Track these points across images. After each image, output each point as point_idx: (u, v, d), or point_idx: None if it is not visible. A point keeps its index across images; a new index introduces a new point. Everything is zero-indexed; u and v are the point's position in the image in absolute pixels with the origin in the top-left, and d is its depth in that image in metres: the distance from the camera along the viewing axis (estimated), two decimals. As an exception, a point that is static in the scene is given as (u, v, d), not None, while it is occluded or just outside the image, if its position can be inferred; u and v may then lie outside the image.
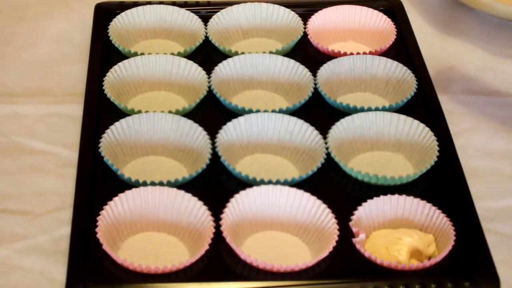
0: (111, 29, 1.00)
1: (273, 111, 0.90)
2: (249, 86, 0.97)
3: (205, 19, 1.02)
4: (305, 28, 1.02)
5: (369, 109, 0.91)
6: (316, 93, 0.93)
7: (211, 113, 0.92)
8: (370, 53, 0.99)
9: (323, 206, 0.80)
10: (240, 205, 0.80)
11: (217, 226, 0.78)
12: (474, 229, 0.81)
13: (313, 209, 0.80)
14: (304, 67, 0.95)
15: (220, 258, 0.77)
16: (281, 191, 0.81)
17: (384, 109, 0.92)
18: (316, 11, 1.04)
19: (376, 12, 1.04)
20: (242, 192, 0.80)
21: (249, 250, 0.78)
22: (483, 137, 0.94)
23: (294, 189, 0.81)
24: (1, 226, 0.82)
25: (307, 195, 0.80)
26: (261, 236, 0.80)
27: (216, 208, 0.80)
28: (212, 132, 0.87)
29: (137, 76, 0.95)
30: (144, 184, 0.82)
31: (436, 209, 0.80)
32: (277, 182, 0.82)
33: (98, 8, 1.05)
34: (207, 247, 0.76)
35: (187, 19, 1.03)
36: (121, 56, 0.98)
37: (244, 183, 0.83)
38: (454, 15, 1.13)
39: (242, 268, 0.76)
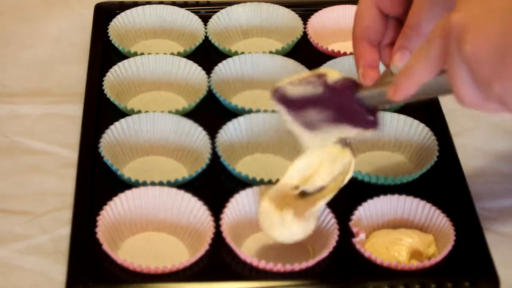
0: (111, 29, 1.00)
1: (273, 111, 0.90)
2: (249, 86, 0.97)
3: (205, 19, 1.02)
4: (305, 28, 1.02)
5: (369, 109, 0.91)
6: (316, 93, 0.93)
7: (211, 113, 0.92)
8: (370, 53, 0.99)
9: (323, 206, 0.80)
10: (240, 205, 0.80)
11: (217, 226, 0.78)
12: (474, 229, 0.81)
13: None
14: (304, 67, 0.95)
15: (220, 258, 0.77)
16: None
17: (384, 109, 0.92)
18: (316, 11, 1.04)
19: (376, 12, 1.04)
20: (242, 192, 0.80)
21: (249, 250, 0.78)
22: (483, 137, 0.94)
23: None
24: (1, 226, 0.82)
25: None
26: (261, 236, 0.80)
27: (216, 208, 0.80)
28: (212, 132, 0.87)
29: (137, 76, 0.95)
30: (144, 184, 0.82)
31: (436, 209, 0.80)
32: (277, 182, 0.82)
33: (98, 8, 1.05)
34: (207, 247, 0.76)
35: (187, 19, 1.03)
36: (121, 56, 0.98)
37: (244, 183, 0.83)
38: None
39: (242, 268, 0.76)
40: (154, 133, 0.88)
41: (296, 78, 0.70)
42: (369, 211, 0.81)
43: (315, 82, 0.69)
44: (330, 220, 0.79)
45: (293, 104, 0.71)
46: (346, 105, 0.67)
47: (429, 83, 0.61)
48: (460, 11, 0.57)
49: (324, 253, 0.76)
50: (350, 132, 0.69)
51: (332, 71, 0.69)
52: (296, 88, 0.70)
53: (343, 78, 0.68)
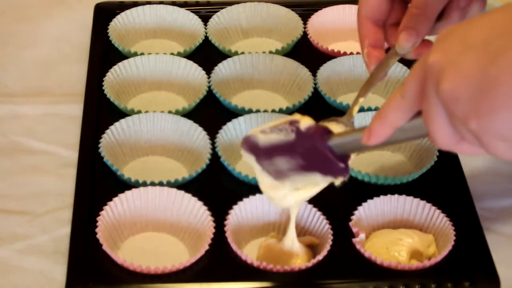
0: (111, 29, 1.00)
1: (273, 111, 0.90)
2: (249, 86, 0.97)
3: (205, 19, 1.02)
4: (305, 28, 1.02)
5: (369, 109, 0.91)
6: (316, 93, 0.93)
7: (211, 113, 0.92)
8: (370, 53, 0.99)
9: (314, 209, 0.80)
10: (242, 212, 0.80)
11: (217, 226, 0.78)
12: (474, 229, 0.81)
13: (305, 214, 0.80)
14: (304, 67, 0.95)
15: (220, 258, 0.77)
16: None
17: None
18: (316, 11, 1.04)
19: (376, 12, 1.04)
20: (246, 200, 0.80)
21: (250, 255, 0.78)
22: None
23: None
24: (1, 226, 0.82)
25: None
26: (260, 241, 0.80)
27: (216, 208, 0.80)
28: (212, 132, 0.87)
29: (137, 76, 0.95)
30: (144, 184, 0.82)
31: (436, 209, 0.80)
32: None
33: (98, 8, 1.05)
34: (207, 247, 0.76)
35: (187, 19, 1.03)
36: (121, 56, 0.98)
37: (244, 183, 0.83)
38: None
39: (242, 269, 0.76)
40: (154, 133, 0.88)
41: (268, 126, 0.69)
42: (369, 211, 0.81)
43: (287, 129, 0.68)
44: (322, 221, 0.79)
45: (263, 153, 0.70)
46: (316, 152, 0.66)
47: (404, 127, 0.60)
48: (436, 51, 0.56)
49: (324, 253, 0.76)
50: (319, 180, 0.68)
51: (305, 118, 0.68)
52: (267, 136, 0.69)
53: (315, 125, 0.67)
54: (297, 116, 0.68)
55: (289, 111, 0.90)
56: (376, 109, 0.91)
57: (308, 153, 0.67)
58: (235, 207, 0.79)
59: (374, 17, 0.74)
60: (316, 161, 0.67)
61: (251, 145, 0.71)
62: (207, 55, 0.99)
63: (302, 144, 0.67)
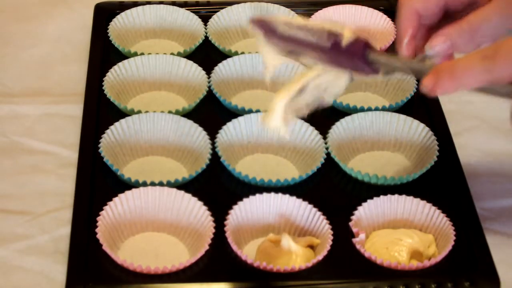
0: (111, 29, 1.00)
1: (273, 111, 0.90)
2: (249, 86, 0.97)
3: (205, 19, 1.02)
4: (305, 28, 1.02)
5: (369, 109, 0.91)
6: (316, 93, 0.93)
7: (211, 113, 0.92)
8: (370, 53, 0.99)
9: (314, 209, 0.80)
10: (242, 212, 0.80)
11: (217, 226, 0.78)
12: (474, 229, 0.81)
13: (305, 213, 0.80)
14: (305, 67, 0.95)
15: (220, 258, 0.77)
16: (282, 199, 0.80)
17: (384, 109, 0.92)
18: (316, 11, 1.04)
19: (376, 11, 1.04)
20: (246, 200, 0.80)
21: (250, 255, 0.78)
22: (483, 137, 0.94)
23: (287, 196, 0.80)
24: (1, 226, 0.82)
25: (299, 201, 0.80)
26: (260, 241, 0.80)
27: (216, 208, 0.80)
28: (212, 132, 0.87)
29: (137, 76, 0.95)
30: (144, 184, 0.82)
31: (436, 209, 0.80)
32: (277, 183, 0.82)
33: (98, 8, 1.05)
34: (207, 247, 0.76)
35: (187, 19, 1.03)
36: (121, 56, 0.98)
37: (244, 183, 0.83)
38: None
39: (242, 269, 0.76)
40: (154, 133, 0.88)
41: (297, 22, 0.65)
42: (369, 211, 0.81)
43: (324, 37, 0.64)
44: (323, 221, 0.79)
45: (278, 37, 0.66)
46: (351, 63, 0.64)
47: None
48: None
49: (324, 253, 0.76)
50: (339, 72, 0.65)
51: (347, 31, 0.64)
52: (293, 31, 0.65)
53: (357, 40, 0.64)
54: (337, 27, 0.64)
55: (289, 111, 0.90)
56: (376, 109, 0.91)
57: (341, 60, 0.64)
58: (235, 207, 0.79)
59: (424, 14, 0.74)
60: (346, 66, 0.64)
61: (265, 27, 0.67)
62: (207, 55, 0.99)
63: (338, 54, 0.64)
